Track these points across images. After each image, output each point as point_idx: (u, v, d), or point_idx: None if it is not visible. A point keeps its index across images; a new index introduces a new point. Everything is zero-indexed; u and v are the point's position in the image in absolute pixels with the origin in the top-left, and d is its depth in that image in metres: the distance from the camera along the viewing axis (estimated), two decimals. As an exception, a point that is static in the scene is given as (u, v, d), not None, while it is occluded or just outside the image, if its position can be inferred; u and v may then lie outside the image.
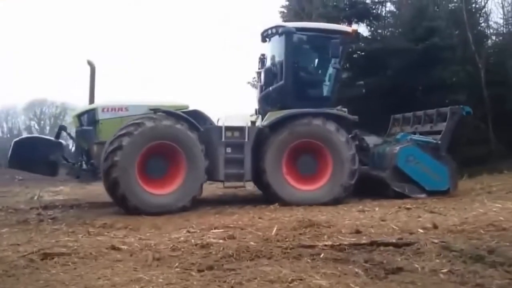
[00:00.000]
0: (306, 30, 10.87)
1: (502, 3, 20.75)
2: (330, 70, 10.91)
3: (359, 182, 11.04)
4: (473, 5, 20.66)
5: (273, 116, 10.39)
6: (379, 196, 10.23)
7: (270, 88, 10.77)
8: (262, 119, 10.85)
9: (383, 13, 19.66)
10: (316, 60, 11.28)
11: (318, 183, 10.06)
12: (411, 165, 10.54)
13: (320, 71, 11.19)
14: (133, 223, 7.68)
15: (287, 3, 23.27)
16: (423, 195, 10.36)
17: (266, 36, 11.28)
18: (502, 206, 8.67)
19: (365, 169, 10.93)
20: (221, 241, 6.02)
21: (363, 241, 5.77)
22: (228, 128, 9.98)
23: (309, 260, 5.01)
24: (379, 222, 7.44)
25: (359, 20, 17.70)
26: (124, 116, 9.56)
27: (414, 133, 11.45)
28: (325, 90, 10.96)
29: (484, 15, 20.70)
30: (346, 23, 17.65)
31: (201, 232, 6.75)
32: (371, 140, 11.71)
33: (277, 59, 10.82)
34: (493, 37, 21.22)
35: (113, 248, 5.75)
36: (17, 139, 10.16)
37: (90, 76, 10.28)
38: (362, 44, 17.36)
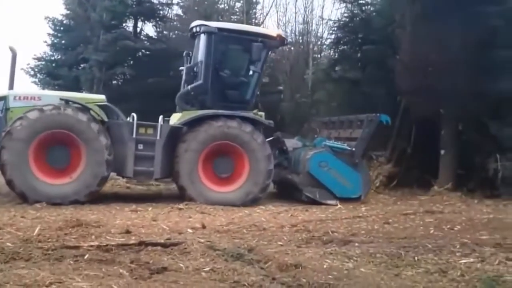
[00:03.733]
0: (229, 31, 10.57)
1: (277, 22, 22.81)
2: (251, 73, 10.70)
3: (277, 185, 11.11)
4: (253, 20, 22.26)
5: (187, 115, 10.02)
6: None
7: (189, 87, 10.38)
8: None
9: (170, 15, 19.92)
10: (237, 62, 10.80)
11: (235, 184, 9.91)
12: (323, 171, 10.50)
13: (240, 74, 10.78)
14: None
15: (71, -10, 22.12)
16: (334, 202, 10.27)
17: (193, 33, 10.88)
18: (265, 208, 9.43)
19: (283, 172, 10.87)
20: (-29, 242, 5.38)
21: (132, 242, 5.68)
22: (140, 125, 9.76)
23: (71, 262, 4.75)
24: (151, 222, 7.43)
25: (146, 19, 17.62)
26: (36, 105, 9.11)
27: (337, 138, 11.47)
28: (245, 93, 10.71)
29: (262, 31, 22.38)
30: (133, 20, 17.46)
31: None
32: (291, 143, 11.61)
33: (199, 58, 10.49)
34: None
35: None
36: None
37: (11, 62, 9.60)
38: (148, 44, 17.32)
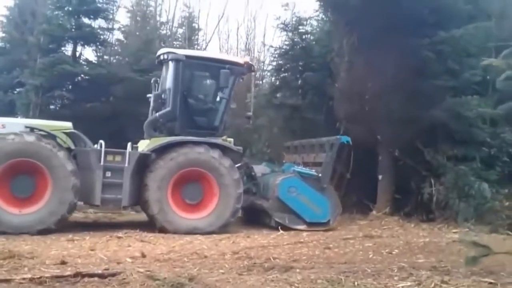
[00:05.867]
0: (197, 58, 10.74)
1: (220, 48, 23.04)
2: (219, 99, 10.71)
3: (246, 211, 10.97)
4: (195, 47, 22.34)
5: (156, 142, 9.89)
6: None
7: (157, 114, 10.27)
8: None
9: (111, 40, 19.66)
10: (205, 89, 10.89)
11: (206, 210, 9.81)
12: (292, 196, 10.56)
13: (208, 100, 10.86)
14: None
15: (7, 12, 21.55)
16: (303, 226, 10.46)
17: (160, 60, 10.86)
18: (206, 235, 9.34)
19: (252, 198, 10.84)
20: None
21: (67, 273, 5.47)
22: (108, 152, 9.58)
23: (2, 297, 4.54)
24: (88, 252, 7.23)
25: (86, 43, 17.22)
26: (1, 133, 8.94)
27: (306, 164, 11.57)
28: (213, 119, 10.72)
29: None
30: (72, 44, 17.10)
31: None
32: (259, 169, 11.58)
33: (167, 85, 10.42)
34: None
35: None
36: None
37: None
38: (87, 68, 16.98)
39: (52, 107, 16.98)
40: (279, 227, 10.34)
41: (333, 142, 11.14)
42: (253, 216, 11.30)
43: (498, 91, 12.05)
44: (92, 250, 7.37)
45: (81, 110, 15.19)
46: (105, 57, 18.88)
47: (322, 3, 13.79)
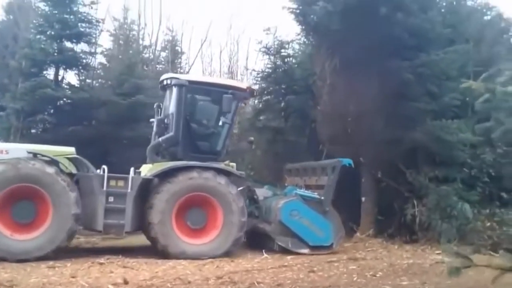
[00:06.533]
0: (199, 84, 10.84)
1: (203, 72, 23.16)
2: (221, 124, 10.76)
3: (248, 235, 10.80)
4: (178, 70, 22.42)
5: (159, 167, 9.89)
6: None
7: (160, 139, 10.32)
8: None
9: (94, 64, 19.63)
10: (208, 114, 10.87)
11: (204, 239, 9.76)
12: (295, 220, 10.46)
13: (211, 125, 10.85)
14: None
15: (-11, 37, 21.47)
16: (306, 250, 10.36)
17: (163, 85, 10.92)
18: (190, 260, 9.26)
19: (254, 221, 10.78)
20: None
21: (48, 301, 5.40)
22: (111, 177, 9.53)
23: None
24: (69, 279, 7.12)
25: (68, 67, 17.19)
26: (4, 158, 8.95)
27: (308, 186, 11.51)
28: (215, 144, 10.82)
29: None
30: (54, 68, 17.05)
31: None
32: (262, 192, 11.50)
33: (170, 110, 10.48)
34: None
35: None
36: None
37: None
38: (69, 92, 16.93)
39: (33, 131, 16.85)
40: (264, 251, 10.30)
41: (335, 165, 11.05)
42: (255, 240, 11.19)
43: (477, 113, 12.26)
44: (73, 277, 7.26)
45: (63, 133, 15.09)
46: (88, 81, 18.82)
47: (303, 27, 13.89)
